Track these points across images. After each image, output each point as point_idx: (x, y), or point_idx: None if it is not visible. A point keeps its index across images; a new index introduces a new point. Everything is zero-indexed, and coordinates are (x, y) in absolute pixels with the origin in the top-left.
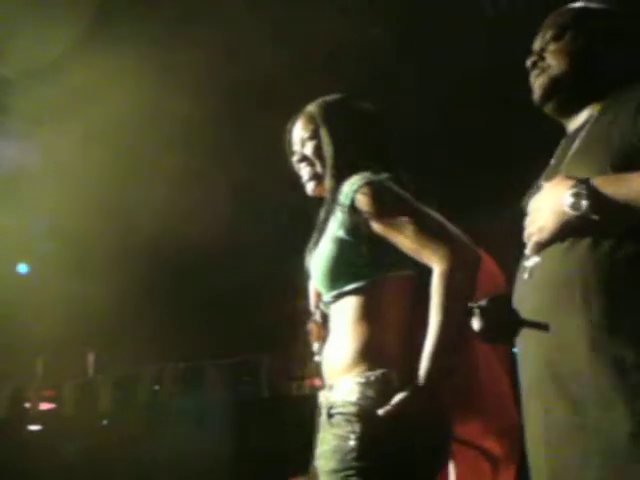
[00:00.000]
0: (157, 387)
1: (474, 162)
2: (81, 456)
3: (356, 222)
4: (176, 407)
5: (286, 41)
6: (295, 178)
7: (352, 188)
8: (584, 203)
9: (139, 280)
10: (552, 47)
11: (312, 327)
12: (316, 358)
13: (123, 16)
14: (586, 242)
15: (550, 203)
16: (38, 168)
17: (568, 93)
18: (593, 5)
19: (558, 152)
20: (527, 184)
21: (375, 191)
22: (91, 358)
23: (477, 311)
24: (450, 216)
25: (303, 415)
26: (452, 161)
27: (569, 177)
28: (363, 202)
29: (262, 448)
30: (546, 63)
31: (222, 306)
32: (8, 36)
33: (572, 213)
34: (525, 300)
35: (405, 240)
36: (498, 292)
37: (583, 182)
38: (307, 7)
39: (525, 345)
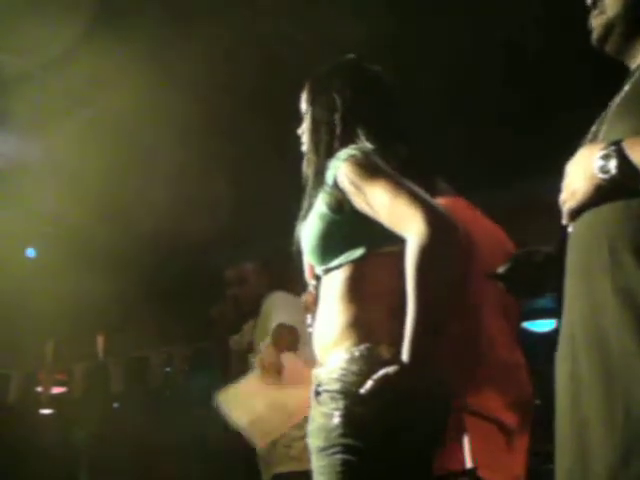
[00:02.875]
0: (168, 369)
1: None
2: (93, 439)
3: (339, 199)
4: (187, 389)
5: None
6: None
7: (335, 164)
8: (612, 165)
9: (147, 262)
10: None
11: (307, 299)
12: (309, 330)
13: (126, 13)
14: (616, 205)
15: (582, 167)
16: (43, 157)
17: (623, 35)
18: None
19: (617, 96)
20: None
21: (354, 166)
22: (101, 340)
23: (501, 275)
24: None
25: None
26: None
27: (603, 140)
28: (343, 178)
29: None
30: (604, 3)
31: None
32: (10, 32)
33: (602, 176)
34: (567, 266)
35: (381, 212)
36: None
37: (614, 144)
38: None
39: (563, 307)
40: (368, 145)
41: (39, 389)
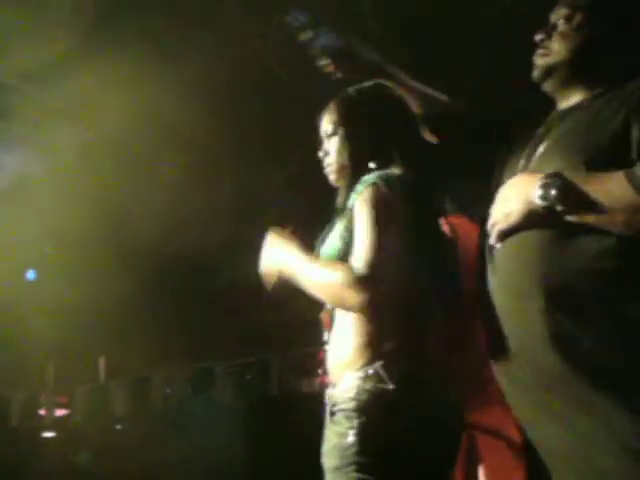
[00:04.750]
0: (169, 390)
1: None
2: (96, 462)
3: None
4: (188, 410)
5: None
6: (300, 175)
7: (359, 189)
8: (552, 194)
9: (146, 283)
10: (562, 28)
11: (324, 317)
12: (326, 347)
13: (125, 22)
14: (547, 233)
15: (519, 192)
16: (42, 175)
17: (564, 79)
18: None
19: (544, 127)
20: None
21: (371, 195)
22: (102, 363)
23: None
24: None
25: (314, 412)
26: None
27: (539, 174)
28: (357, 205)
29: (274, 447)
30: (551, 46)
31: (230, 306)
32: (7, 42)
33: (540, 203)
34: (496, 284)
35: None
36: None
37: (554, 175)
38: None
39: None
40: (396, 171)
41: (41, 412)
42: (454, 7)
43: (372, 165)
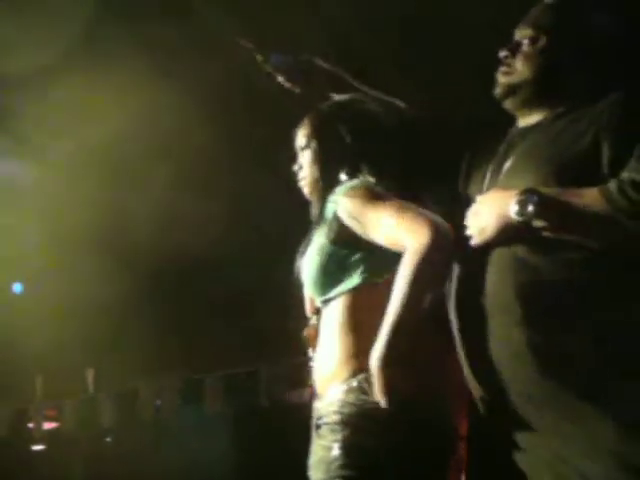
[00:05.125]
0: (159, 401)
1: None
2: (86, 474)
3: (338, 230)
4: (178, 421)
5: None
6: (292, 185)
7: (334, 199)
8: (530, 209)
9: (134, 295)
10: (526, 48)
11: (309, 333)
12: (312, 364)
13: (120, 30)
14: (522, 249)
15: (495, 207)
16: (30, 186)
17: (526, 99)
18: (575, 10)
19: (506, 144)
20: None
21: (354, 199)
22: (90, 375)
23: None
24: None
25: (304, 423)
26: None
27: (512, 189)
28: (342, 212)
29: (264, 458)
30: (514, 64)
31: (219, 317)
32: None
33: (516, 218)
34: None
35: (382, 232)
36: None
37: (530, 191)
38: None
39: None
40: (370, 179)
41: (30, 425)
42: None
43: (343, 177)
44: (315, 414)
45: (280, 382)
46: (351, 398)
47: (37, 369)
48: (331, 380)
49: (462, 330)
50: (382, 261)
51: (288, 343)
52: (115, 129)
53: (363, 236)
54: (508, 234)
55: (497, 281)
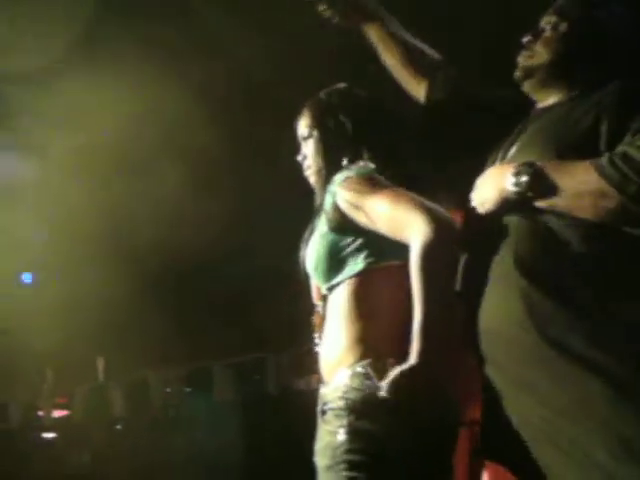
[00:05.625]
0: (168, 389)
1: None
2: (96, 462)
3: (339, 218)
4: (187, 409)
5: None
6: (296, 176)
7: (334, 187)
8: (523, 180)
9: (143, 283)
10: (547, 33)
11: (315, 320)
12: (318, 350)
13: (121, 29)
14: (520, 220)
15: (493, 180)
16: (38, 177)
17: (542, 81)
18: (597, 2)
19: (522, 125)
20: None
21: (351, 187)
22: (101, 363)
23: None
24: None
25: (311, 410)
26: None
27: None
28: (341, 201)
29: (272, 445)
30: (535, 48)
31: (227, 305)
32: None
33: (512, 189)
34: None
35: (382, 224)
36: None
37: (526, 163)
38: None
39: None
40: (370, 165)
41: (40, 413)
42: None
43: (345, 162)
44: (320, 400)
45: (288, 369)
46: (356, 383)
47: (47, 358)
48: (336, 366)
49: (466, 298)
50: (384, 246)
51: (295, 330)
52: (123, 122)
53: (363, 224)
54: (507, 207)
55: (499, 251)
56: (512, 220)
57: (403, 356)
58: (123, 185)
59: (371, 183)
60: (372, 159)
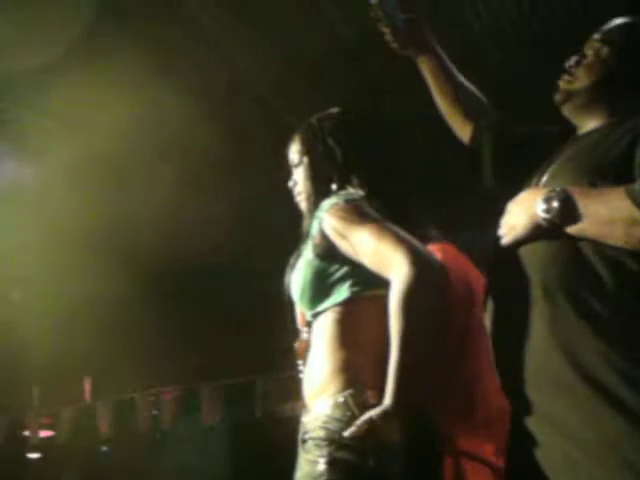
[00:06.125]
0: (155, 412)
1: None
2: None
3: (325, 245)
4: (174, 431)
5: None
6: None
7: (320, 213)
8: (554, 206)
9: (132, 305)
10: (589, 59)
11: (299, 346)
12: (301, 377)
13: (120, 30)
14: (550, 246)
15: (524, 205)
16: (29, 193)
17: (581, 105)
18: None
19: (558, 151)
20: None
21: (338, 214)
22: (88, 384)
23: None
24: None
25: (295, 436)
26: None
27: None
28: (327, 228)
29: (257, 469)
30: (576, 73)
31: (215, 328)
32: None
33: (543, 216)
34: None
35: (366, 257)
36: None
37: (558, 189)
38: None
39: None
40: (359, 192)
41: (26, 433)
42: None
43: (334, 188)
44: (301, 428)
45: (275, 394)
46: (337, 414)
47: (34, 377)
48: (318, 394)
49: (492, 331)
50: (370, 275)
51: (284, 355)
52: (115, 131)
53: (348, 253)
54: (537, 233)
55: (526, 276)
56: (541, 246)
57: (384, 387)
58: (114, 206)
59: (358, 213)
60: (361, 186)
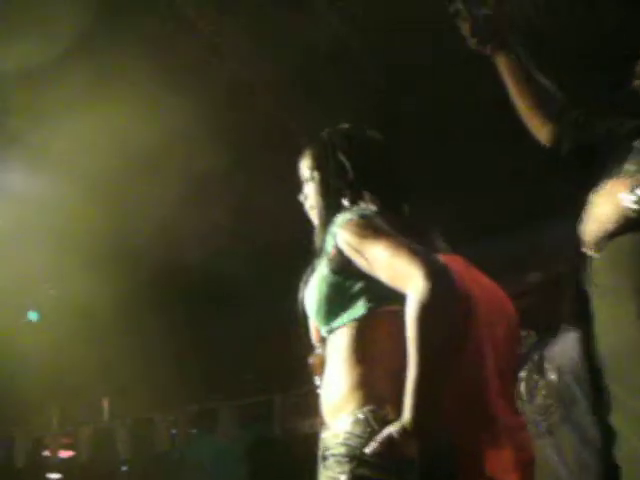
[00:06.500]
0: (174, 431)
1: None
2: None
3: (340, 260)
4: (193, 450)
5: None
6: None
7: (335, 229)
8: None
9: (150, 323)
10: None
11: (314, 361)
12: (318, 393)
13: (120, 31)
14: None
15: (611, 197)
16: (40, 213)
17: None
18: None
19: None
20: None
21: (352, 230)
22: (106, 403)
23: None
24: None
25: (316, 453)
26: None
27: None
28: (342, 243)
29: None
30: None
31: (233, 347)
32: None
33: (632, 207)
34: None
35: (382, 272)
36: None
37: None
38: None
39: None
40: (372, 207)
41: (46, 453)
42: None
43: (346, 203)
44: (321, 445)
45: (294, 411)
46: (358, 430)
47: (53, 397)
48: (337, 411)
49: (585, 334)
50: (386, 290)
51: (301, 371)
52: (121, 161)
53: (363, 268)
54: (626, 225)
55: (616, 274)
56: (632, 239)
57: (403, 402)
58: (129, 219)
59: (372, 228)
60: (373, 201)
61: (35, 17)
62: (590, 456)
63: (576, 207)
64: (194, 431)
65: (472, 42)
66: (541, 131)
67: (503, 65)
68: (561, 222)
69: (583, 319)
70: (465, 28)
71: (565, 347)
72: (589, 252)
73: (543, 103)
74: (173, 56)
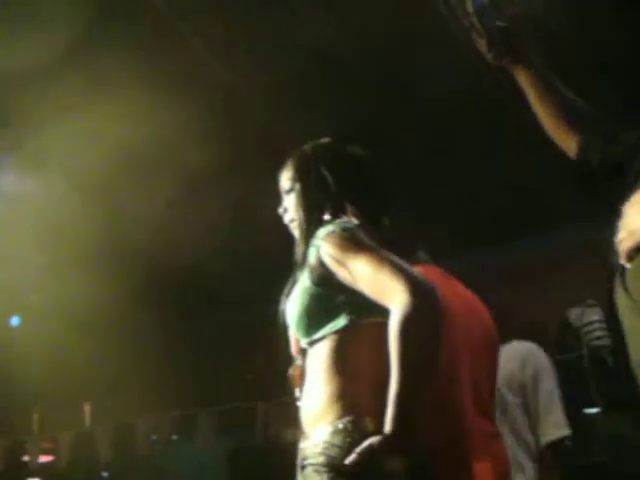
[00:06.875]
0: (155, 437)
1: None
2: None
3: (322, 273)
4: (173, 457)
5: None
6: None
7: (318, 241)
8: None
9: (132, 330)
10: None
11: (294, 373)
12: (298, 404)
13: (120, 34)
14: None
15: None
16: (26, 219)
17: None
18: None
19: None
20: None
21: (335, 242)
22: (87, 409)
23: None
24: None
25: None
26: None
27: None
28: (325, 253)
29: None
30: None
31: (217, 354)
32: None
33: None
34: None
35: (364, 285)
36: None
37: None
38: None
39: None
40: (353, 220)
41: (26, 458)
42: None
43: (327, 217)
44: (300, 454)
45: (276, 420)
46: (337, 440)
47: (34, 402)
48: (317, 421)
49: (615, 343)
50: (367, 302)
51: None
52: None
53: (346, 281)
54: None
55: None
56: None
57: (383, 414)
58: (114, 227)
59: (355, 241)
60: (355, 215)
61: (31, 22)
62: (525, 458)
63: (566, 218)
64: (175, 437)
65: (489, 57)
66: (566, 141)
67: (522, 77)
68: (549, 233)
69: (615, 328)
70: (481, 43)
71: (503, 360)
72: (621, 262)
73: (565, 113)
74: (168, 61)
